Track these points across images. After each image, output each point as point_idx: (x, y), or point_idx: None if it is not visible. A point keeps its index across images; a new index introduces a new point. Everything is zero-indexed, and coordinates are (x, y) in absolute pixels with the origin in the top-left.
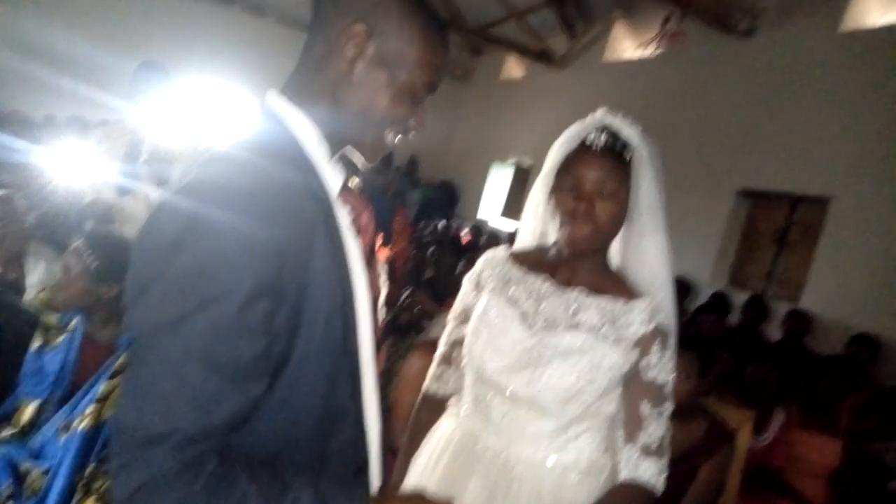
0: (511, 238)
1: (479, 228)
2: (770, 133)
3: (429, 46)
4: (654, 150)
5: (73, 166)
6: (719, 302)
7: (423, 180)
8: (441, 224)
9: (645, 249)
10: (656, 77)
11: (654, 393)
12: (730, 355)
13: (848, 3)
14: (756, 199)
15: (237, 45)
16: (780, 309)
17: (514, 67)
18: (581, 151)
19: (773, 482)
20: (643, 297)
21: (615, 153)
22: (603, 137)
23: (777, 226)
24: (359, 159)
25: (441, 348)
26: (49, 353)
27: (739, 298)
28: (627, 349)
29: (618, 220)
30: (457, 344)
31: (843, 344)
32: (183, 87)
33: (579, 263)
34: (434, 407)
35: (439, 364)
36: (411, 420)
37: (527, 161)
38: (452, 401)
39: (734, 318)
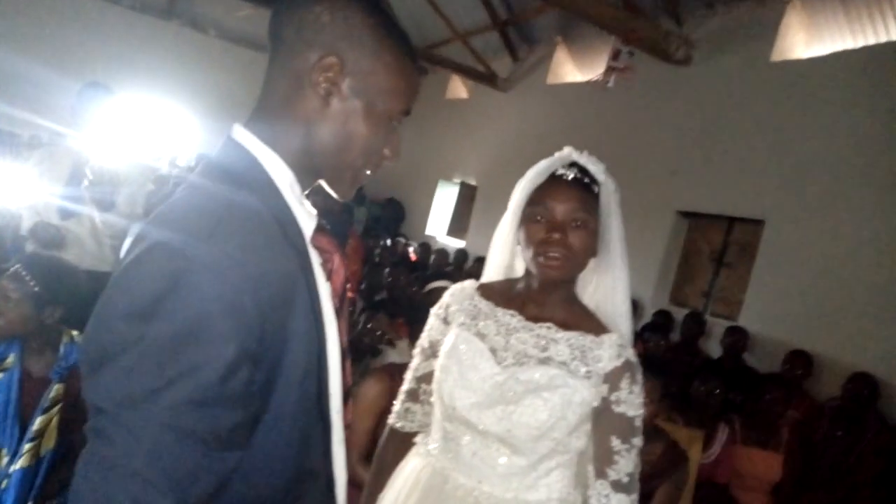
0: (458, 256)
1: (427, 246)
2: (707, 156)
3: (404, 73)
4: (618, 187)
5: (8, 187)
6: (663, 320)
7: (369, 198)
8: (388, 242)
9: (611, 282)
10: (597, 100)
11: (624, 427)
12: (674, 373)
13: (776, 36)
14: (694, 220)
15: (177, 60)
16: (718, 326)
17: (458, 88)
18: (551, 183)
19: (719, 497)
20: (611, 331)
21: (585, 186)
22: (572, 171)
23: (715, 246)
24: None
25: (407, 384)
26: None
27: (680, 316)
28: (597, 384)
29: (588, 249)
30: (423, 379)
31: (778, 360)
32: (126, 107)
33: (548, 297)
34: (400, 443)
35: (405, 400)
36: (376, 456)
37: (472, 180)
38: (419, 437)
39: (675, 335)
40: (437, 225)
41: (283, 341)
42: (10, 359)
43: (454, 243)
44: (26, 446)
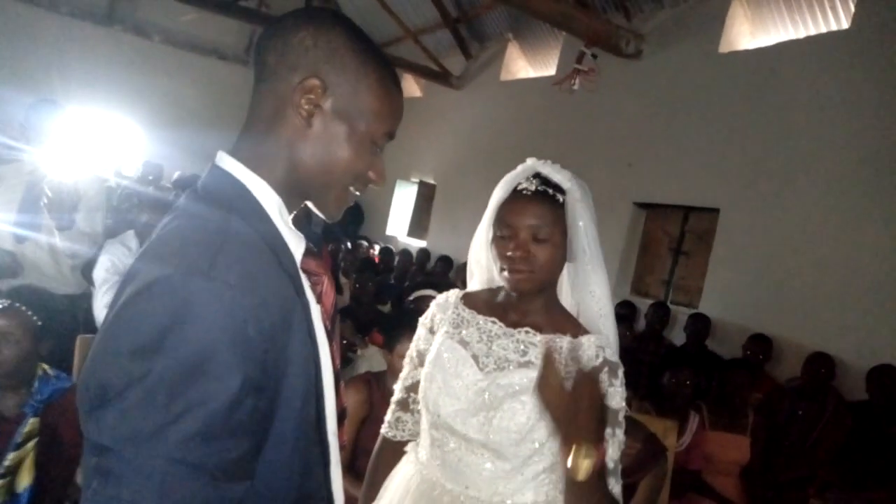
0: (420, 256)
1: (390, 249)
2: (661, 148)
3: (387, 95)
4: (587, 192)
5: None
6: (626, 311)
7: None
8: (348, 245)
9: (590, 286)
10: (551, 96)
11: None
12: (642, 362)
13: (723, 27)
14: (652, 211)
15: (120, 67)
16: (680, 314)
17: (412, 86)
18: (514, 199)
19: (692, 483)
20: (590, 333)
21: (548, 197)
22: (534, 183)
23: (673, 236)
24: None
25: (397, 394)
26: None
27: (642, 306)
28: None
29: (555, 261)
30: (412, 389)
31: (739, 345)
32: (77, 120)
33: (528, 305)
34: (392, 451)
35: (396, 410)
36: (370, 465)
37: (430, 178)
38: (410, 446)
39: (637, 324)
40: (398, 225)
41: (283, 367)
42: None
43: (415, 243)
44: None
